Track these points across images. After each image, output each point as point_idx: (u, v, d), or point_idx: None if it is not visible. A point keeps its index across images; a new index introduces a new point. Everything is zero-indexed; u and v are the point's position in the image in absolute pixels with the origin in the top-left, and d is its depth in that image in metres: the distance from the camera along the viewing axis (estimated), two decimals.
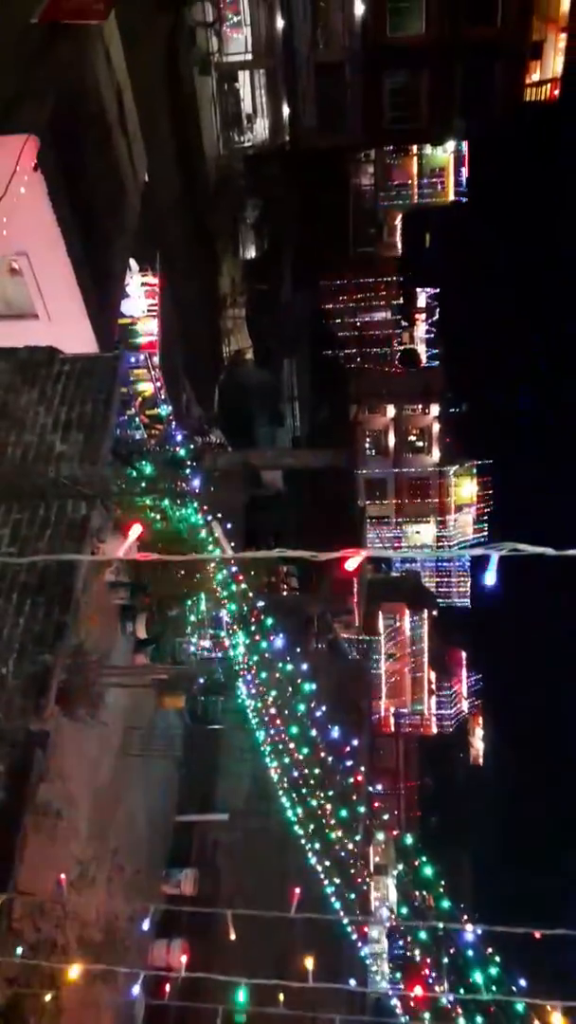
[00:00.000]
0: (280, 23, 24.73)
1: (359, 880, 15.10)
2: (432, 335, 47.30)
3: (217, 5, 23.85)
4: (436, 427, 41.97)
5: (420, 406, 41.57)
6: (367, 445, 41.92)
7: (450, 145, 36.93)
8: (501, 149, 36.54)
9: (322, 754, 12.88)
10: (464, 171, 38.76)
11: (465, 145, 37.29)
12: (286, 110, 26.70)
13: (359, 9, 25.90)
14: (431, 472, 42.40)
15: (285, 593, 25.57)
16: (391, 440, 42.21)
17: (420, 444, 42.38)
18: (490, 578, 3.76)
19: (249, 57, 26.98)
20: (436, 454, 42.16)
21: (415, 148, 37.48)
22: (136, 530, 5.00)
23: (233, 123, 27.83)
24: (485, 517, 43.21)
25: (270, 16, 25.65)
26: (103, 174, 12.85)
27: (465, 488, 43.47)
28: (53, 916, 10.82)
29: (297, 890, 7.87)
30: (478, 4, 25.79)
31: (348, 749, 12.93)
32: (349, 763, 13.08)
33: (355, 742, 13.17)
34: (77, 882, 11.92)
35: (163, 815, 17.92)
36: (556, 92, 28.34)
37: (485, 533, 43.17)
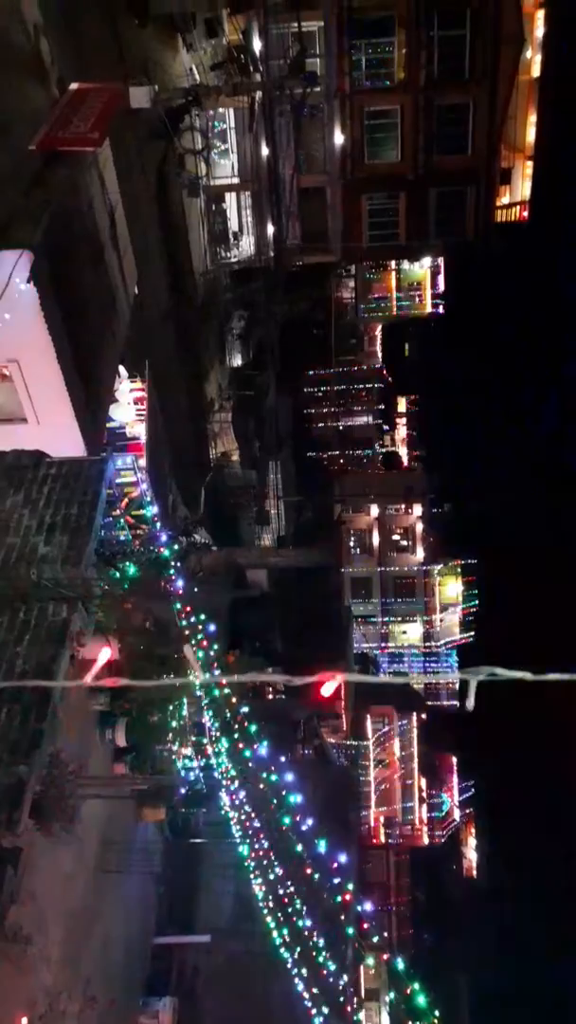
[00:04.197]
0: (264, 150, 26.37)
1: (348, 1009, 14.15)
2: (413, 438, 48.51)
3: (205, 135, 25.49)
4: (419, 527, 42.31)
5: (403, 506, 42.04)
6: (351, 544, 42.08)
7: (427, 261, 38.83)
8: (475, 265, 38.45)
9: (309, 870, 12.30)
10: (441, 284, 40.57)
11: (441, 260, 39.20)
12: (270, 228, 28.11)
13: (339, 139, 27.77)
14: (416, 571, 42.46)
15: (271, 697, 25.04)
16: (375, 539, 42.43)
17: (404, 543, 42.60)
18: (470, 703, 3.77)
19: (235, 181, 28.66)
20: (420, 553, 42.34)
21: (393, 263, 39.34)
22: (105, 653, 4.93)
23: (220, 240, 29.27)
24: (471, 617, 43.02)
25: (255, 144, 27.38)
26: (94, 287, 13.35)
27: (450, 587, 43.44)
28: None
29: None
30: (450, 136, 27.78)
31: (336, 865, 12.35)
32: (337, 880, 12.47)
33: (343, 857, 12.61)
34: (46, 1016, 11.07)
35: (141, 937, 16.91)
36: (525, 213, 30.22)
37: (472, 634, 42.90)
